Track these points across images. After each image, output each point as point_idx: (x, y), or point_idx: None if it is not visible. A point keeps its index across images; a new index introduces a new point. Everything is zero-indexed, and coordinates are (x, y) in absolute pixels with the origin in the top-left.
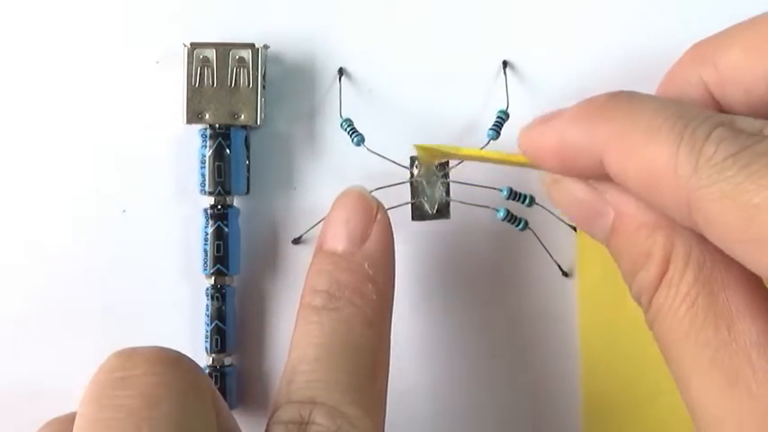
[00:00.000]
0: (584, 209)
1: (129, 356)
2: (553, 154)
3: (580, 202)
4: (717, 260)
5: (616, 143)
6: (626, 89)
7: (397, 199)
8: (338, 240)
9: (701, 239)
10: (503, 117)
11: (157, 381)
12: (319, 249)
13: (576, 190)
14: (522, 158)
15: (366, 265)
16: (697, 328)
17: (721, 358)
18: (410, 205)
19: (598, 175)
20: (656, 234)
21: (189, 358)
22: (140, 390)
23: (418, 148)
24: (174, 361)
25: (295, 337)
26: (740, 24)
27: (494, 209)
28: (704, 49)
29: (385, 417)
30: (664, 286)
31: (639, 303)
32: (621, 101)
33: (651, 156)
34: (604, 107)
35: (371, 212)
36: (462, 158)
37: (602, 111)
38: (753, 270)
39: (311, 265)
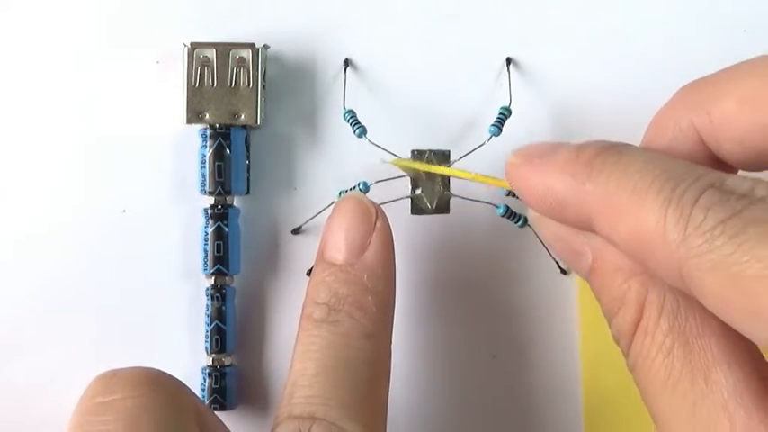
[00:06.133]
0: (565, 247)
1: (109, 380)
2: (540, 201)
3: (563, 241)
4: (692, 308)
5: (604, 206)
6: (628, 86)
7: (397, 193)
8: (337, 251)
9: (676, 287)
10: (505, 114)
11: (137, 404)
12: (320, 258)
13: (559, 230)
14: (504, 184)
15: (365, 277)
16: (674, 380)
17: (699, 411)
18: (410, 199)
19: (585, 228)
20: (631, 280)
21: (169, 375)
22: (120, 415)
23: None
24: (153, 381)
25: (296, 348)
26: (734, 70)
27: (493, 205)
28: (696, 95)
29: (386, 426)
30: (639, 334)
31: (619, 347)
32: (609, 158)
33: (639, 221)
34: (592, 165)
35: (371, 220)
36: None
37: (589, 168)
38: (751, 339)
39: (312, 272)
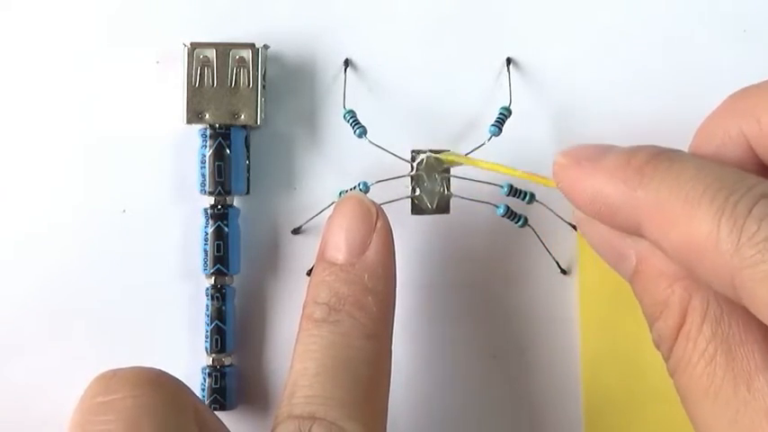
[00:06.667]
0: (610, 250)
1: (109, 380)
2: (588, 203)
3: (608, 243)
4: (735, 315)
5: (655, 213)
6: (628, 86)
7: (397, 192)
8: (338, 251)
9: (719, 294)
10: (505, 113)
11: (138, 403)
12: (320, 258)
13: (605, 232)
14: (550, 182)
15: (366, 277)
16: (716, 387)
17: (741, 418)
18: (410, 199)
19: (632, 232)
20: (675, 285)
21: (169, 375)
22: (121, 414)
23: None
24: (153, 381)
25: (297, 348)
26: None
27: (494, 205)
28: (746, 102)
29: (386, 426)
30: (681, 339)
31: (660, 351)
32: (661, 165)
33: (691, 229)
34: (643, 171)
35: (371, 220)
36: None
37: (640, 175)
38: None
39: (313, 272)
